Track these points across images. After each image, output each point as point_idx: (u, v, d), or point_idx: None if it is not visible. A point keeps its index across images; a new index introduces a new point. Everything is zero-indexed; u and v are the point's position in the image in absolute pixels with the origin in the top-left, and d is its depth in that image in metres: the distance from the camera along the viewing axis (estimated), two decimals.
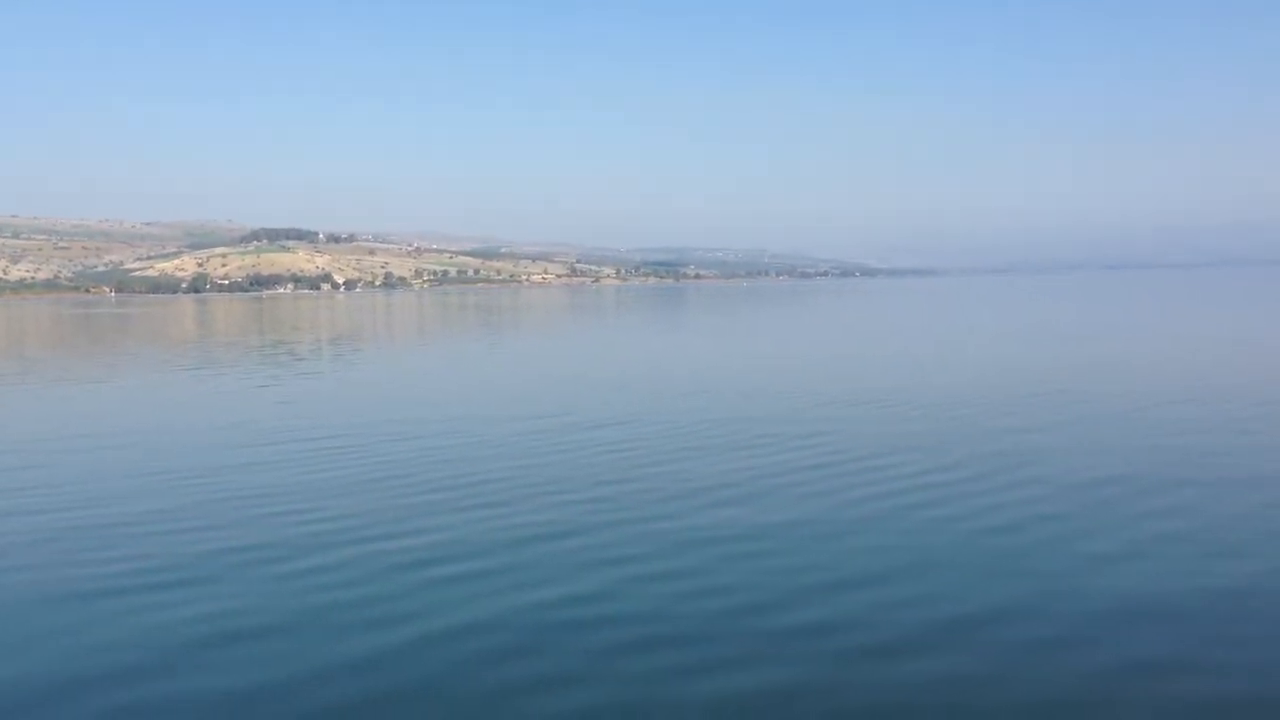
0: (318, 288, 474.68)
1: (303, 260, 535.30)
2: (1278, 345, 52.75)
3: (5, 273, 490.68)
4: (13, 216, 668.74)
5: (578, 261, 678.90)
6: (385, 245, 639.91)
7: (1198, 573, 13.94)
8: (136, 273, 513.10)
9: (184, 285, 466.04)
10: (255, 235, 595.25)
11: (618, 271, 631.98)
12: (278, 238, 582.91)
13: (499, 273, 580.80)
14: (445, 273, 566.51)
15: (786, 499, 18.70)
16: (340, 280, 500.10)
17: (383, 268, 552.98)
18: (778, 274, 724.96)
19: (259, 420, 31.18)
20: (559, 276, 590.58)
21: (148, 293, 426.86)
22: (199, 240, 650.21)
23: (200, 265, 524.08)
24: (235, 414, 33.02)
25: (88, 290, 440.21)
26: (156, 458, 24.88)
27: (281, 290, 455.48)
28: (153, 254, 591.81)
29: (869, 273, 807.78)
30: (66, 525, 18.09)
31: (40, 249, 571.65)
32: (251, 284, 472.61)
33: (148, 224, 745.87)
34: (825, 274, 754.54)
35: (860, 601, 13.13)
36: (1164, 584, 13.50)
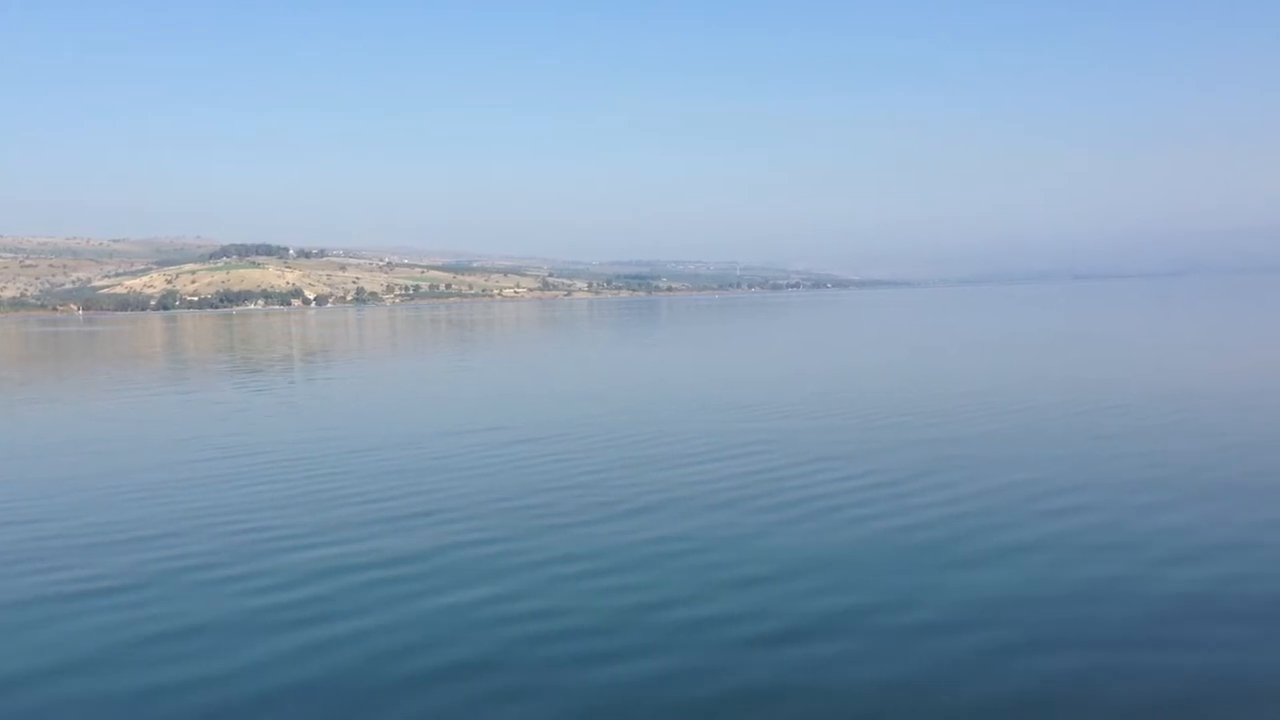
0: (288, 303, 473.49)
1: (273, 276, 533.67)
2: (1225, 351, 53.77)
3: None
4: None
5: (550, 275, 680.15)
6: (356, 260, 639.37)
7: (1077, 564, 14.64)
8: (104, 290, 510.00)
9: (153, 303, 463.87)
10: (225, 251, 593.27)
11: (590, 285, 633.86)
12: (248, 253, 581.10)
13: (471, 287, 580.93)
14: (417, 287, 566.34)
15: (709, 504, 19.20)
16: (311, 296, 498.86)
17: (354, 283, 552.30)
18: (749, 286, 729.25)
19: (208, 435, 31.39)
20: (531, 290, 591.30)
21: (116, 310, 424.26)
22: (168, 257, 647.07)
23: (169, 282, 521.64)
24: (186, 429, 33.25)
25: (55, 308, 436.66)
26: (102, 470, 25.12)
27: (252, 306, 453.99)
28: (121, 271, 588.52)
29: (840, 284, 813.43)
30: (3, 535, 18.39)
31: (6, 267, 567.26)
32: (221, 300, 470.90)
33: (116, 241, 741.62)
34: (797, 285, 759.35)
35: (761, 595, 13.71)
36: (1042, 574, 14.21)
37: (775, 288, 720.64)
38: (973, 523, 17.02)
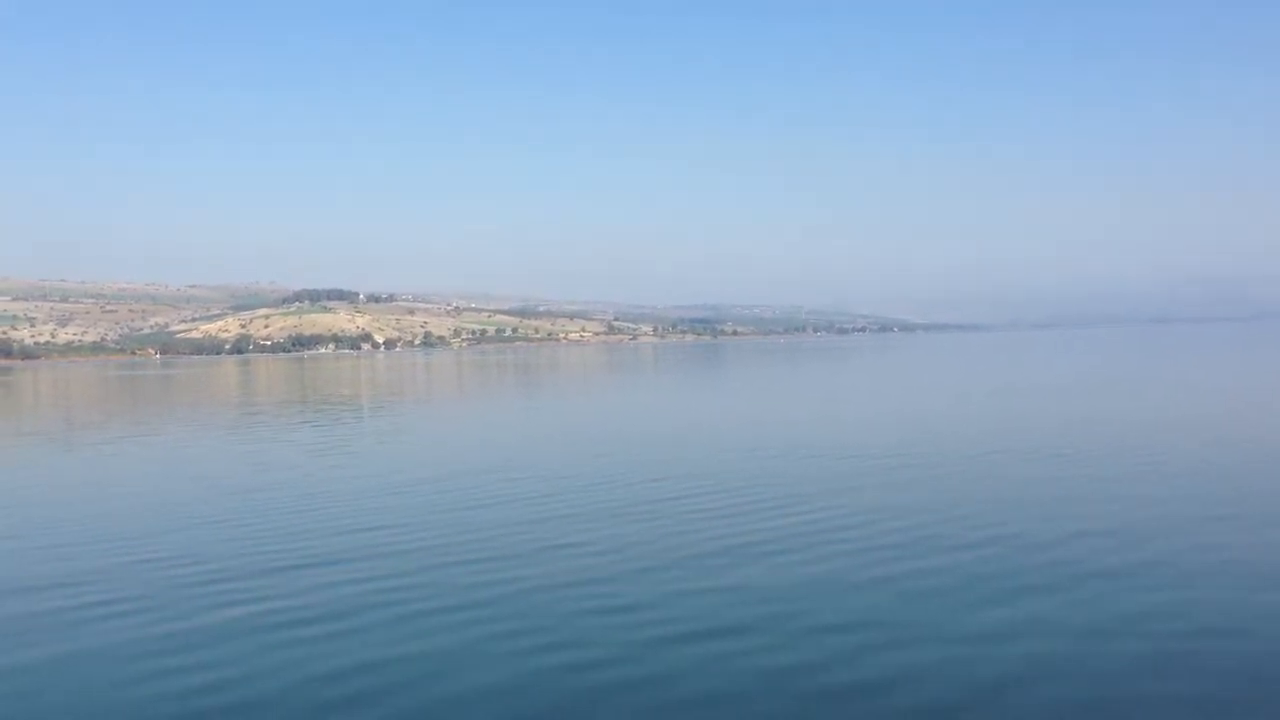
0: (358, 347, 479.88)
1: (343, 320, 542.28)
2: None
3: (54, 335, 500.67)
4: (61, 280, 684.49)
5: (615, 319, 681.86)
6: (424, 305, 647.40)
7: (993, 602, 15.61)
8: (181, 334, 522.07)
9: (227, 346, 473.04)
10: (297, 296, 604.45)
11: (655, 329, 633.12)
12: (319, 298, 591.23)
13: (537, 331, 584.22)
14: (484, 331, 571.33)
15: (679, 533, 19.09)
16: (380, 340, 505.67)
17: (422, 327, 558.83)
18: (815, 329, 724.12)
19: (282, 480, 31.88)
20: (596, 334, 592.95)
21: (192, 354, 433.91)
22: (242, 302, 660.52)
23: (243, 326, 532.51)
24: (252, 473, 33.80)
25: (133, 352, 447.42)
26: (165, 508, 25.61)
27: (323, 350, 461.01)
28: (197, 316, 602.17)
29: (907, 328, 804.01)
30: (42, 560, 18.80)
31: (88, 312, 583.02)
32: (293, 344, 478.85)
33: (192, 286, 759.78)
34: (863, 329, 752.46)
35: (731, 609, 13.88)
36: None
37: (841, 331, 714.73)
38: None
